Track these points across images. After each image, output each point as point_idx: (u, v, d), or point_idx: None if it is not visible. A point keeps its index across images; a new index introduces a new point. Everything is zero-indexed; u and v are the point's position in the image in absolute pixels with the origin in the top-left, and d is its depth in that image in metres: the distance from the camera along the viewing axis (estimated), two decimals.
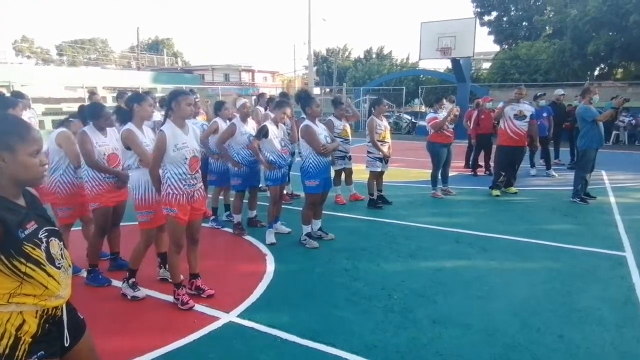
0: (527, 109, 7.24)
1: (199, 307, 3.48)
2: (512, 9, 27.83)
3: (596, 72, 23.58)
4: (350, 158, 6.72)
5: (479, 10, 28.03)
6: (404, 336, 3.10)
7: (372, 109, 6.47)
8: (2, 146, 1.46)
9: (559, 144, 10.17)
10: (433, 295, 3.74)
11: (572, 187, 6.89)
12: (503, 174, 7.38)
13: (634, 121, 15.28)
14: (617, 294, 3.75)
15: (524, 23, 27.44)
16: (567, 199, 6.88)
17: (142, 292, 3.69)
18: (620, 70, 23.77)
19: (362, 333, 3.15)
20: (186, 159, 3.34)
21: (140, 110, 3.70)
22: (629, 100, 7.58)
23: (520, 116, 7.11)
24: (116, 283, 3.92)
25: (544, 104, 9.13)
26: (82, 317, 1.79)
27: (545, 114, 8.94)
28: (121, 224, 4.27)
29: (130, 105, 3.75)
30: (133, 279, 3.70)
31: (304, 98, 5.00)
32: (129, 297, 3.66)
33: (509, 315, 3.39)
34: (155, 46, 54.93)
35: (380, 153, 6.29)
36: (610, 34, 18.91)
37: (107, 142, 3.91)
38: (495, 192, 7.33)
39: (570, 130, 9.74)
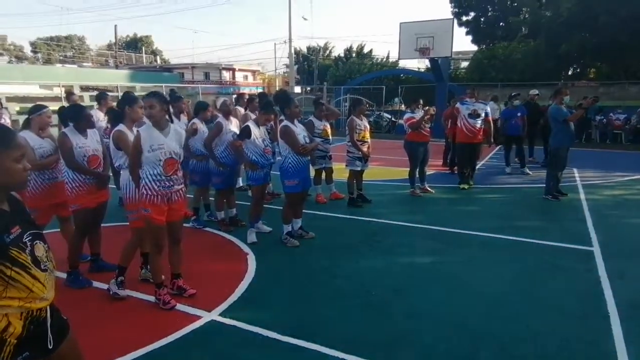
0: (481, 107, 7.76)
1: (180, 307, 3.52)
2: (490, 9, 28.32)
3: (569, 72, 24.25)
4: (330, 157, 6.82)
5: (457, 10, 28.43)
6: (381, 331, 3.22)
7: (353, 109, 6.58)
8: None
9: (533, 143, 10.49)
10: (409, 290, 3.88)
11: (544, 185, 7.14)
12: (466, 170, 7.91)
13: (605, 120, 15.81)
14: (583, 287, 3.95)
15: (500, 24, 27.98)
16: (539, 196, 7.13)
17: (125, 292, 3.72)
18: (592, 70, 24.50)
19: (342, 328, 3.25)
20: (160, 160, 3.37)
21: (131, 112, 3.75)
22: (598, 100, 7.90)
23: (474, 115, 7.63)
24: (97, 285, 3.93)
25: (518, 103, 9.41)
26: (65, 318, 1.83)
27: (519, 114, 9.21)
28: (102, 224, 4.27)
29: (122, 107, 3.79)
30: (122, 278, 3.73)
31: (282, 99, 5.08)
32: (111, 292, 3.69)
33: (479, 308, 3.54)
34: (133, 44, 54.03)
35: (360, 152, 6.41)
36: (583, 34, 19.48)
37: (88, 143, 3.91)
38: (463, 185, 7.83)
39: (543, 129, 10.04)
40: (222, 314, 3.43)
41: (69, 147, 3.77)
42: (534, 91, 10.79)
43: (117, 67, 36.29)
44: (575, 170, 9.48)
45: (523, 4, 25.54)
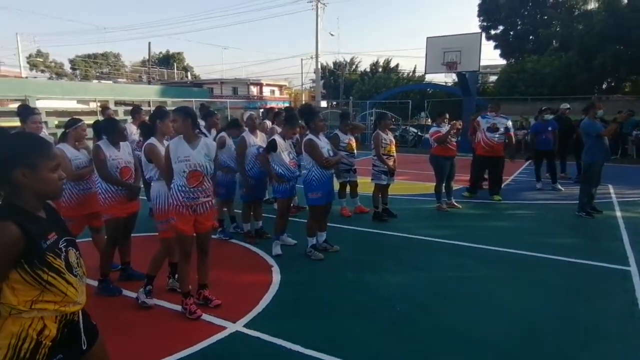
0: (501, 122, 7.78)
1: (206, 317, 3.56)
2: (519, 23, 27.97)
3: (604, 86, 23.54)
4: (355, 171, 6.82)
5: (485, 24, 28.22)
6: (407, 347, 3.16)
7: (378, 123, 6.58)
8: (25, 163, 1.56)
9: (565, 158, 10.19)
10: (436, 307, 3.79)
11: (578, 201, 6.90)
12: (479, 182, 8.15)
13: None
14: (620, 308, 3.78)
15: (530, 37, 27.54)
16: (572, 213, 6.89)
17: (153, 301, 3.79)
18: (628, 83, 23.71)
19: (366, 344, 3.21)
20: (184, 172, 3.46)
21: (162, 126, 3.90)
22: (633, 114, 7.62)
23: (492, 129, 7.73)
24: (127, 293, 4.03)
25: (548, 117, 9.18)
26: (94, 323, 1.88)
27: (550, 128, 8.98)
28: (132, 234, 4.38)
29: (154, 121, 3.93)
30: (150, 286, 3.82)
31: (307, 113, 5.15)
32: (139, 301, 3.77)
33: (511, 329, 3.43)
34: (166, 60, 55.87)
35: (386, 166, 6.38)
36: (617, 47, 18.94)
37: (120, 155, 4.06)
38: (466, 193, 8.08)
39: (576, 144, 9.74)
40: (246, 325, 3.45)
41: (103, 159, 3.92)
42: (565, 105, 10.51)
43: (149, 82, 37.53)
44: (610, 186, 9.13)
45: (554, 17, 25.08)
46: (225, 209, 5.96)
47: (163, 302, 3.86)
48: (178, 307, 3.68)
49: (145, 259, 4.00)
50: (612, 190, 8.82)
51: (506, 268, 4.74)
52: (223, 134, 5.77)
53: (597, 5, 22.81)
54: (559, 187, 8.96)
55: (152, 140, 3.90)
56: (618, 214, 7.01)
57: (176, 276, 4.02)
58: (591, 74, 20.16)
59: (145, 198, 5.80)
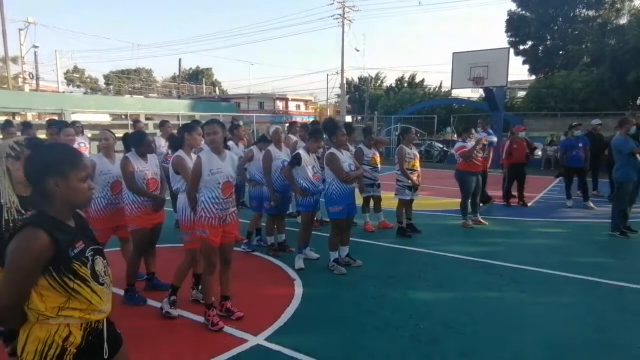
0: (488, 138, 8.04)
1: (228, 329, 3.57)
2: (549, 38, 27.53)
3: (638, 102, 22.79)
4: (379, 186, 6.79)
5: (513, 39, 27.89)
6: None
7: (402, 137, 6.56)
8: (57, 173, 1.61)
9: (597, 175, 9.85)
10: (461, 326, 3.69)
11: (610, 220, 6.65)
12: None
13: None
14: None
15: (560, 52, 27.03)
16: (605, 232, 6.63)
17: (176, 311, 3.84)
18: None
19: None
20: (219, 183, 3.52)
21: (189, 139, 3.99)
22: None
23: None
24: (151, 302, 4.09)
25: (579, 134, 8.93)
26: (119, 332, 1.91)
27: (580, 144, 8.72)
28: (157, 245, 4.47)
29: (182, 134, 4.04)
30: (174, 297, 3.87)
31: (329, 127, 5.19)
32: (163, 311, 3.82)
33: (540, 351, 3.30)
34: (195, 76, 57.43)
35: (410, 181, 6.32)
36: None
37: (147, 167, 4.17)
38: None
39: (609, 161, 9.42)
40: (267, 339, 3.44)
41: (131, 171, 4.03)
42: (596, 121, 10.21)
43: (179, 97, 38.64)
44: None
45: (585, 33, 24.56)
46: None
47: (186, 312, 3.90)
48: (201, 318, 3.70)
49: (169, 269, 4.06)
50: None
51: (534, 287, 4.59)
52: (252, 147, 5.88)
53: (630, 19, 22.24)
54: (591, 205, 8.65)
55: (180, 152, 4.00)
56: None
57: (200, 287, 4.06)
58: (624, 89, 19.60)
59: (172, 209, 5.94)
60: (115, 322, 1.88)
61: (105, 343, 1.76)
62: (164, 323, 3.74)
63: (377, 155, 6.73)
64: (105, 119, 18.08)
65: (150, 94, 46.65)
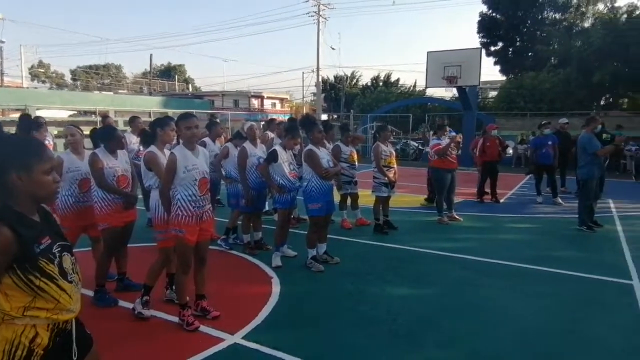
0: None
1: (204, 328, 3.49)
2: (518, 39, 28.30)
3: (602, 102, 23.74)
4: (356, 183, 6.80)
5: (485, 40, 28.53)
6: None
7: (378, 135, 6.58)
8: (19, 165, 1.53)
9: (565, 172, 10.18)
10: (438, 320, 3.73)
11: (578, 216, 6.87)
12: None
13: None
14: (624, 322, 3.72)
15: (529, 53, 27.84)
16: (573, 227, 6.85)
17: (149, 312, 3.72)
18: (626, 100, 23.91)
19: (366, 356, 3.15)
20: (196, 180, 3.43)
21: (162, 135, 3.86)
22: (629, 142, 7.67)
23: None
24: (123, 303, 3.96)
25: (548, 132, 9.20)
26: (89, 333, 1.83)
27: (550, 143, 8.99)
28: (129, 244, 4.33)
29: (154, 129, 3.90)
30: (147, 297, 3.75)
31: (306, 124, 5.15)
32: (135, 312, 3.70)
33: (515, 342, 3.36)
34: (167, 72, 56.26)
35: (386, 178, 6.36)
36: (615, 64, 19.14)
37: (118, 164, 4.02)
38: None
39: (576, 159, 9.74)
40: (245, 337, 3.38)
41: (100, 167, 3.88)
42: (564, 120, 10.54)
43: (150, 94, 37.73)
44: (610, 201, 9.11)
45: (552, 35, 25.38)
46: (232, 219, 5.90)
47: (160, 313, 3.79)
48: (175, 319, 3.60)
49: (142, 269, 3.93)
50: (612, 205, 8.79)
51: (508, 281, 4.69)
52: (227, 144, 5.79)
53: (594, 22, 23.12)
54: (560, 201, 8.93)
55: (152, 148, 3.87)
56: (619, 227, 6.97)
57: (174, 287, 3.96)
58: (589, 90, 20.38)
59: (144, 208, 5.77)
60: (84, 323, 1.80)
61: (74, 344, 1.69)
62: (136, 324, 3.62)
63: (355, 152, 6.74)
64: (64, 115, 17.45)
65: (120, 91, 45.40)
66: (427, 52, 15.82)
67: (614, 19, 20.53)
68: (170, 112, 19.34)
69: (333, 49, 41.43)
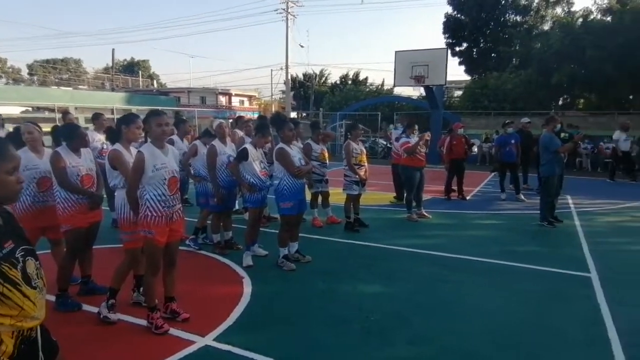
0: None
1: (174, 331, 3.41)
2: (482, 40, 29.12)
3: (560, 102, 24.77)
4: (327, 181, 6.81)
5: (450, 41, 29.20)
6: (382, 358, 3.13)
7: (349, 133, 6.61)
8: None
9: (527, 170, 10.56)
10: (410, 316, 3.79)
11: (539, 212, 7.14)
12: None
13: (595, 149, 16.05)
14: (584, 314, 3.89)
15: (492, 54, 28.70)
16: (535, 223, 7.12)
17: (116, 316, 3.60)
18: (581, 100, 25.06)
19: (340, 355, 3.16)
20: (165, 179, 3.34)
21: (127, 132, 3.71)
22: (585, 139, 8.08)
23: (399, 138, 8.10)
24: (87, 308, 3.81)
25: (511, 131, 9.52)
26: (55, 340, 1.76)
27: (513, 141, 9.31)
28: (94, 246, 4.17)
29: (119, 127, 3.76)
30: (113, 300, 3.62)
31: (277, 121, 5.12)
32: (101, 316, 3.56)
33: (484, 336, 3.46)
34: (130, 68, 54.57)
35: (357, 176, 6.40)
36: (572, 66, 20.01)
37: (81, 162, 3.87)
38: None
39: (537, 157, 10.11)
40: (216, 339, 3.32)
41: (62, 166, 3.72)
42: (526, 119, 10.96)
43: (113, 90, 36.48)
44: (569, 197, 9.53)
45: (514, 36, 26.26)
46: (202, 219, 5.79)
47: (127, 316, 3.67)
48: (144, 322, 3.50)
49: (107, 272, 3.80)
50: (570, 201, 9.20)
51: (476, 276, 4.82)
52: (196, 142, 5.68)
53: (553, 26, 24.08)
54: (522, 197, 9.27)
55: (117, 146, 3.73)
56: (577, 222, 7.31)
57: (141, 289, 3.84)
58: (549, 90, 21.20)
59: (108, 208, 5.58)
60: (49, 330, 1.72)
61: (40, 352, 1.62)
62: (102, 329, 3.49)
63: (326, 151, 6.75)
64: (28, 111, 16.64)
65: (80, 86, 43.61)
66: (395, 52, 16.06)
67: (571, 23, 21.43)
68: (135, 108, 18.80)
69: (302, 46, 41.55)
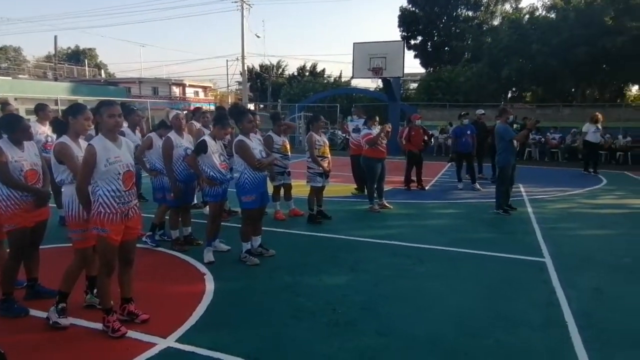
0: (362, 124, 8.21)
1: (132, 334, 3.22)
2: (435, 34, 29.85)
3: (509, 95, 25.90)
4: (289, 173, 6.71)
5: (405, 34, 29.71)
6: (350, 349, 3.11)
7: (311, 125, 6.54)
8: None
9: (482, 160, 10.94)
10: (376, 307, 3.80)
11: (495, 200, 7.40)
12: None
13: (543, 139, 16.91)
14: (541, 298, 4.05)
15: (446, 48, 29.51)
16: (491, 211, 7.38)
17: (67, 320, 3.35)
18: (529, 93, 26.33)
19: (308, 349, 3.11)
20: (119, 174, 3.12)
21: (75, 124, 3.42)
22: (539, 122, 8.47)
23: (356, 130, 8.55)
24: (35, 313, 3.53)
25: (467, 122, 9.81)
26: (2, 352, 1.59)
27: (468, 132, 9.59)
28: (41, 246, 3.87)
29: (65, 118, 3.46)
30: (63, 304, 3.36)
31: (236, 113, 4.95)
32: (51, 322, 3.31)
33: (450, 324, 3.51)
34: (75, 56, 51.60)
35: (321, 168, 6.34)
36: (520, 61, 20.92)
37: (25, 156, 3.57)
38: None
39: (491, 147, 10.46)
40: (179, 340, 3.17)
41: (4, 161, 3.40)
42: (480, 111, 11.33)
43: (56, 79, 34.34)
44: (521, 185, 9.96)
45: (466, 31, 27.09)
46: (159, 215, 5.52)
47: (81, 320, 3.43)
48: (99, 326, 3.28)
49: (56, 273, 3.53)
50: (522, 189, 9.62)
51: (438, 265, 4.92)
52: (151, 134, 5.41)
53: (502, 21, 25.03)
54: (478, 187, 9.59)
55: (64, 139, 3.44)
56: (529, 210, 7.65)
57: (95, 291, 3.60)
58: (499, 84, 22.09)
59: (55, 205, 5.23)
60: None
61: None
62: (53, 335, 3.24)
63: (287, 142, 6.64)
64: None
65: (20, 75, 40.71)
66: (354, 44, 16.09)
67: (518, 19, 22.38)
68: (81, 99, 17.76)
69: (258, 37, 40.74)
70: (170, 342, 3.15)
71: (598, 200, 8.92)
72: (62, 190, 3.48)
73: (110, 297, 3.26)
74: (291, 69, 47.37)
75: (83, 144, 3.49)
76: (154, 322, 3.40)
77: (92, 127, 3.46)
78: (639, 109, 20.51)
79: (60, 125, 3.60)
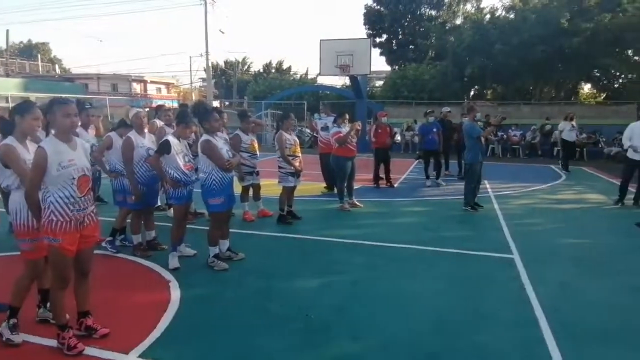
0: (330, 122, 8.19)
1: (90, 350, 2.98)
2: (400, 32, 30.19)
3: (472, 93, 26.57)
4: (258, 173, 6.52)
5: (370, 32, 29.88)
6: (325, 355, 3.01)
7: (281, 123, 6.36)
8: None
9: (448, 157, 11.10)
10: (351, 309, 3.70)
11: (463, 197, 7.49)
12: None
13: (505, 136, 17.41)
14: (512, 295, 4.08)
15: (411, 46, 29.90)
16: (459, 208, 7.46)
17: (19, 337, 3.07)
18: (490, 91, 27.10)
19: (282, 358, 2.97)
20: (73, 178, 2.86)
21: (22, 123, 3.11)
22: (505, 118, 8.65)
23: (325, 128, 8.54)
24: None
25: (433, 120, 9.90)
26: None
27: (435, 129, 9.69)
28: None
29: (12, 117, 3.15)
30: (14, 320, 3.08)
31: (201, 111, 4.69)
32: (3, 338, 3.03)
33: (425, 324, 3.47)
34: (28, 51, 48.92)
35: (292, 167, 6.19)
36: (482, 59, 21.48)
37: None
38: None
39: (457, 144, 10.62)
40: (142, 355, 2.96)
41: None
42: (446, 108, 11.48)
43: (8, 75, 32.38)
44: (486, 182, 10.15)
45: (430, 30, 27.54)
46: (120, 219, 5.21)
47: (33, 337, 3.15)
48: (54, 342, 3.02)
49: (5, 286, 3.23)
50: (488, 186, 9.80)
51: (411, 264, 4.88)
52: (110, 134, 5.08)
53: (464, 21, 25.64)
54: (442, 182, 9.73)
55: (10, 140, 3.13)
56: (496, 206, 7.79)
57: (48, 305, 3.32)
58: (462, 82, 22.62)
59: (4, 211, 4.83)
60: None
61: None
62: (5, 353, 2.96)
63: (255, 141, 6.44)
64: None
65: None
66: (320, 40, 15.95)
67: (480, 19, 22.97)
68: (33, 96, 16.80)
69: (222, 32, 39.82)
70: (133, 357, 2.93)
71: (559, 195, 9.21)
72: (10, 195, 3.18)
73: (65, 312, 3.01)
74: (257, 65, 46.81)
75: (31, 146, 3.19)
76: (114, 337, 3.16)
77: (41, 128, 3.17)
78: (591, 106, 21.53)
79: (5, 125, 3.29)
